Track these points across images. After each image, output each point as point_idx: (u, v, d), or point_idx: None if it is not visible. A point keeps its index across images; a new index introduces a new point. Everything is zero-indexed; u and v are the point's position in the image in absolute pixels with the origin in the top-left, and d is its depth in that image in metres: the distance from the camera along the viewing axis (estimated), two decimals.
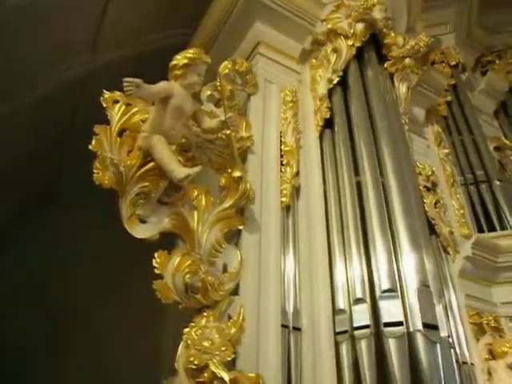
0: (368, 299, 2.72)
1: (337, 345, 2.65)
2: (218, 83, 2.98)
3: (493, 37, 6.19)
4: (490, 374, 3.32)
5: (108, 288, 5.68)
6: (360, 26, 3.70)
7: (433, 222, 3.72)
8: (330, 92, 3.61)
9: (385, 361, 2.51)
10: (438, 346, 2.60)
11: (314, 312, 2.76)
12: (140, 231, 2.46)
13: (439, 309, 2.83)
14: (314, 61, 3.82)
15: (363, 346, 2.56)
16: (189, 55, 2.66)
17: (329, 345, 2.66)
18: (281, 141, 3.31)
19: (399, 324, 2.59)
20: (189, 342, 2.32)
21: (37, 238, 6.19)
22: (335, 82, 3.60)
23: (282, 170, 3.19)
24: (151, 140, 2.52)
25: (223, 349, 2.31)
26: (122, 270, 5.71)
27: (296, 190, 3.19)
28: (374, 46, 3.89)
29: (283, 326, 2.61)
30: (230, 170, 2.83)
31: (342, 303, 2.76)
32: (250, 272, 2.68)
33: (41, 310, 5.82)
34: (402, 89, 3.91)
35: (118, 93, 2.58)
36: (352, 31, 3.69)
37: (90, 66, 4.78)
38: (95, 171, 2.43)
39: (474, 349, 3.39)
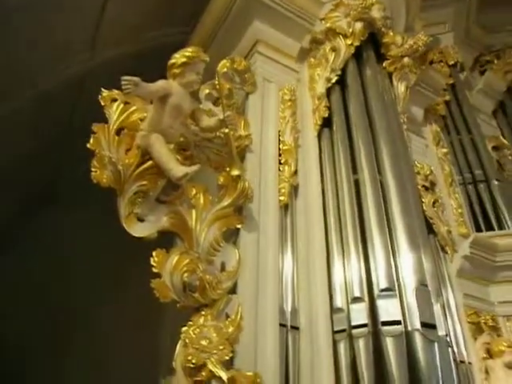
0: (366, 298, 2.72)
1: (335, 343, 2.65)
2: (217, 82, 2.98)
3: (491, 36, 6.18)
4: (487, 372, 3.34)
5: (107, 287, 5.68)
6: (359, 25, 3.70)
7: (431, 221, 3.72)
8: (329, 91, 3.61)
9: (383, 360, 2.51)
10: (436, 345, 2.60)
11: (312, 311, 2.76)
12: (138, 230, 2.46)
13: (437, 308, 2.83)
14: (312, 60, 3.82)
15: (361, 344, 2.56)
16: (187, 54, 2.65)
17: (327, 344, 2.65)
18: (279, 139, 3.31)
19: (397, 323, 2.59)
20: (187, 340, 2.32)
21: (37, 237, 6.19)
22: (334, 80, 3.60)
23: (281, 168, 3.18)
24: (149, 138, 2.51)
25: (221, 348, 2.31)
26: (120, 269, 5.70)
27: (294, 189, 3.18)
28: (372, 45, 3.89)
29: (281, 324, 2.61)
30: (228, 169, 2.82)
31: (339, 302, 2.76)
32: (248, 271, 2.68)
33: (41, 309, 5.82)
34: (401, 88, 3.91)
35: (116, 91, 2.57)
36: (351, 30, 3.68)
37: (88, 64, 4.78)
38: (93, 170, 2.42)
39: (471, 348, 3.40)
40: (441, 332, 2.77)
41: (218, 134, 2.95)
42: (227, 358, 2.31)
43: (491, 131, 5.53)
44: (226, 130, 2.84)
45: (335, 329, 2.69)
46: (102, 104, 2.58)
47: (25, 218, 6.31)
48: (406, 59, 3.90)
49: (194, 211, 2.67)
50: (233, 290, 2.62)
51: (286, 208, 3.07)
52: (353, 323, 2.64)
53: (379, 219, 2.96)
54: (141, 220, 2.50)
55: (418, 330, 2.58)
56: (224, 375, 2.19)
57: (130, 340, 5.26)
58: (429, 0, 5.23)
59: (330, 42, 3.73)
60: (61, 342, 5.77)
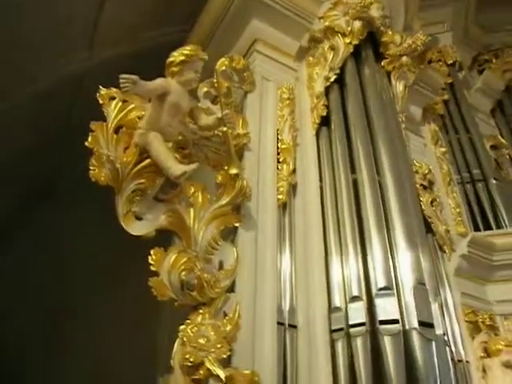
0: (364, 297, 2.72)
1: (332, 342, 2.65)
2: (215, 80, 2.98)
3: (490, 35, 6.18)
4: (484, 371, 3.34)
5: (106, 286, 5.67)
6: (357, 24, 3.69)
7: (429, 220, 3.72)
8: (327, 90, 3.60)
9: (380, 358, 2.51)
10: (434, 343, 2.60)
11: (310, 309, 2.76)
12: (136, 228, 2.46)
13: (435, 307, 2.83)
14: (311, 58, 3.82)
15: (359, 343, 2.56)
16: (186, 52, 2.66)
17: (324, 342, 2.65)
18: (277, 138, 3.31)
19: (395, 322, 2.59)
20: (184, 339, 2.32)
21: (36, 237, 6.17)
22: (332, 79, 3.60)
23: (279, 167, 3.19)
24: (148, 137, 2.51)
25: (219, 346, 2.31)
26: (119, 267, 5.70)
27: (292, 188, 3.19)
28: (371, 44, 3.89)
29: (279, 323, 2.62)
30: (226, 167, 2.83)
31: (337, 301, 2.76)
32: (246, 269, 2.68)
33: (41, 309, 5.81)
34: (399, 87, 3.91)
35: (114, 89, 2.57)
36: (349, 29, 3.68)
37: (86, 63, 4.77)
38: (91, 168, 2.43)
39: (469, 347, 3.40)
40: (438, 331, 2.77)
41: (216, 132, 2.95)
42: (225, 356, 2.32)
43: (489, 130, 5.54)
44: (225, 129, 2.85)
45: (333, 327, 2.69)
46: (101, 102, 2.58)
47: (24, 216, 6.29)
48: (404, 58, 3.90)
49: (192, 210, 2.67)
50: (231, 289, 2.63)
51: (284, 207, 3.07)
52: (351, 322, 2.64)
53: (377, 218, 2.96)
54: (139, 218, 2.50)
55: (415, 328, 2.58)
56: (222, 373, 2.19)
57: (130, 339, 5.26)
58: None
59: (329, 40, 3.72)
60: (61, 342, 5.76)
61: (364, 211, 3.01)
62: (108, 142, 2.47)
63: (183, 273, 2.43)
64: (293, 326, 2.67)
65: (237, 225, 2.81)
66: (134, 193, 2.49)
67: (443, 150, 4.61)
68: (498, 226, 4.31)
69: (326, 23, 3.76)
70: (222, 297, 2.56)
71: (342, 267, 2.87)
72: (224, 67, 3.25)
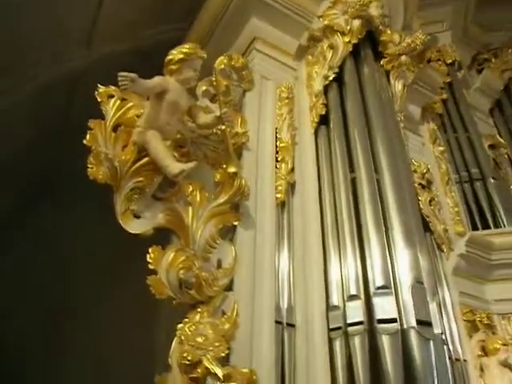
0: (362, 296, 2.72)
1: (330, 341, 2.65)
2: (214, 78, 2.97)
3: (489, 35, 6.18)
4: (482, 370, 3.34)
5: (105, 285, 5.66)
6: (356, 23, 3.69)
7: (427, 219, 3.72)
8: (326, 88, 3.60)
9: (378, 357, 2.51)
10: (432, 342, 2.60)
11: (308, 308, 2.76)
12: (134, 226, 2.46)
13: (433, 306, 2.83)
14: (310, 57, 3.81)
15: (357, 342, 2.56)
16: (184, 50, 2.65)
17: (322, 341, 2.66)
18: (276, 137, 3.31)
19: (393, 321, 2.59)
20: (182, 337, 2.32)
21: (36, 237, 6.15)
22: (331, 78, 3.59)
23: (277, 166, 3.18)
24: (146, 135, 2.51)
25: (217, 344, 2.31)
26: (118, 266, 5.69)
27: (291, 187, 3.18)
28: (370, 43, 3.88)
29: (277, 322, 2.61)
30: (225, 166, 2.82)
31: (335, 300, 2.76)
32: (245, 268, 2.68)
33: (41, 309, 5.80)
34: (398, 86, 3.91)
35: (112, 87, 2.57)
36: (348, 28, 3.68)
37: (85, 61, 4.76)
38: (89, 166, 2.42)
39: (466, 345, 3.40)
40: (436, 330, 2.78)
41: (214, 130, 2.95)
42: (223, 354, 2.31)
43: (488, 130, 5.54)
44: (223, 127, 2.84)
45: (331, 326, 2.69)
46: (99, 100, 2.57)
47: (24, 216, 6.27)
48: (403, 57, 3.90)
49: (190, 208, 2.67)
50: (229, 287, 2.62)
51: (282, 205, 3.07)
52: (349, 321, 2.64)
53: (376, 217, 2.96)
54: (137, 217, 2.49)
55: (413, 327, 2.58)
56: (220, 372, 2.19)
57: (130, 338, 5.25)
58: None
59: (328, 39, 3.72)
60: (61, 342, 5.76)
61: (362, 210, 3.01)
62: (106, 140, 2.47)
63: (181, 271, 2.43)
64: (291, 325, 2.67)
65: (235, 223, 2.80)
66: (133, 191, 2.49)
67: (441, 149, 4.61)
68: (496, 226, 4.31)
69: (326, 22, 3.76)
70: (220, 295, 2.56)
71: (340, 266, 2.87)
72: (223, 65, 3.25)
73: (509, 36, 6.19)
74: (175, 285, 2.41)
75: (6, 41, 3.96)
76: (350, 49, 3.68)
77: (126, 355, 5.14)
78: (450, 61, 5.50)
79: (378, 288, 2.70)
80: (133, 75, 2.29)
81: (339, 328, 2.66)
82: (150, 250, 2.43)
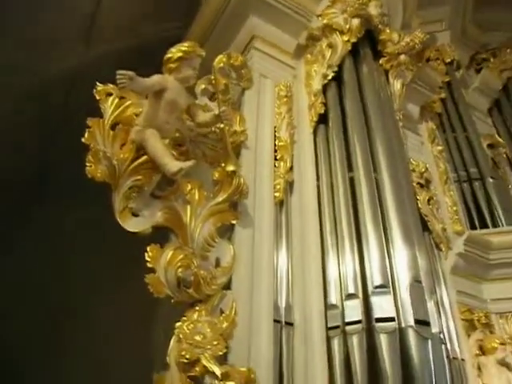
0: (360, 295, 2.72)
1: (328, 340, 2.65)
2: (213, 77, 2.96)
3: (487, 35, 6.20)
4: (480, 369, 3.35)
5: (104, 284, 5.66)
6: (355, 22, 3.69)
7: (426, 218, 3.72)
8: (325, 87, 3.60)
9: (376, 356, 2.51)
10: (430, 341, 2.60)
11: (307, 307, 2.76)
12: (132, 224, 2.45)
13: (431, 305, 2.83)
14: (309, 56, 3.81)
15: (355, 341, 2.56)
16: (183, 48, 2.65)
17: (321, 340, 2.66)
18: (275, 136, 3.31)
19: (391, 320, 2.59)
20: (180, 336, 2.32)
21: (36, 237, 6.14)
22: (330, 77, 3.60)
23: (276, 164, 3.18)
24: (144, 133, 2.51)
25: (215, 343, 2.31)
26: (116, 265, 5.68)
27: (289, 185, 3.18)
28: (369, 42, 3.89)
29: (275, 320, 2.61)
30: (223, 165, 2.81)
31: (334, 298, 2.76)
32: (243, 266, 2.68)
33: (41, 309, 5.79)
34: (397, 85, 3.92)
35: (111, 85, 2.56)
36: (347, 27, 3.68)
37: (83, 58, 4.76)
38: (88, 164, 2.42)
39: (464, 345, 3.41)
40: (434, 329, 2.77)
41: (213, 129, 2.95)
42: (221, 353, 2.31)
43: (486, 129, 5.55)
44: (222, 126, 2.84)
45: (329, 325, 2.69)
46: (98, 98, 2.57)
47: (24, 216, 6.26)
48: (402, 56, 3.90)
49: (188, 207, 2.66)
50: (227, 286, 2.62)
51: (281, 204, 3.07)
52: (347, 320, 2.64)
53: (374, 216, 2.96)
54: (135, 215, 2.49)
55: (411, 326, 2.58)
56: (218, 370, 2.18)
57: (130, 339, 5.25)
58: None
59: (327, 38, 3.72)
60: (61, 341, 5.75)
61: (361, 209, 3.01)
62: (104, 139, 2.46)
63: (180, 270, 2.42)
64: (289, 324, 2.67)
65: (234, 222, 2.80)
66: (131, 189, 2.48)
67: (440, 148, 4.61)
68: (495, 225, 4.31)
69: (325, 21, 3.76)
70: (219, 294, 2.55)
71: (339, 265, 2.87)
72: (222, 64, 3.24)
73: (507, 36, 6.20)
74: (173, 283, 2.41)
75: (3, 39, 3.95)
76: (349, 48, 3.68)
77: (126, 355, 5.14)
78: (449, 60, 5.50)
79: (376, 287, 2.70)
80: (131, 73, 2.28)
81: (337, 327, 2.66)
82: (148, 249, 2.42)
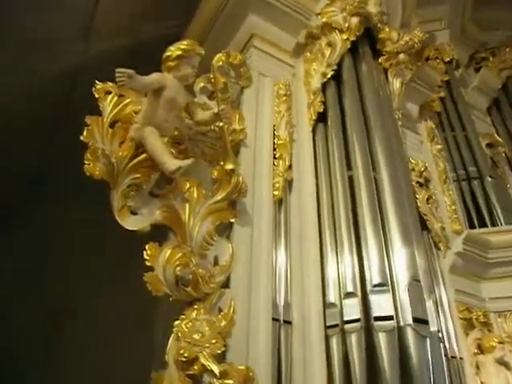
0: (359, 293, 2.72)
1: (327, 338, 2.66)
2: (212, 75, 2.96)
3: (487, 34, 6.19)
4: (478, 368, 3.36)
5: (104, 284, 5.64)
6: (355, 20, 3.69)
7: (425, 217, 3.73)
8: (324, 86, 3.60)
9: (375, 355, 2.51)
10: (428, 340, 2.60)
11: (305, 306, 2.76)
12: (131, 223, 2.45)
13: (429, 304, 2.84)
14: (308, 54, 3.81)
15: (353, 339, 2.56)
16: (182, 47, 2.65)
17: (319, 338, 2.66)
18: (274, 134, 3.30)
19: (389, 318, 2.60)
20: (179, 334, 2.32)
21: (36, 237, 6.13)
22: (329, 75, 3.59)
23: (275, 163, 3.18)
24: (143, 131, 2.50)
25: (213, 341, 2.31)
26: (116, 265, 5.67)
27: (288, 184, 3.18)
28: (368, 40, 3.88)
29: (274, 319, 2.61)
30: (222, 163, 2.81)
31: (332, 297, 2.76)
32: (242, 265, 2.67)
33: (41, 309, 5.78)
34: (396, 84, 3.91)
35: (110, 83, 2.56)
36: (347, 25, 3.67)
37: (82, 57, 4.75)
38: (86, 162, 2.42)
39: (463, 343, 3.42)
40: (433, 328, 2.78)
41: (212, 127, 2.95)
42: (219, 351, 2.31)
43: (485, 128, 5.54)
44: (221, 124, 2.83)
45: (328, 324, 2.70)
46: (96, 96, 2.56)
47: (24, 216, 6.25)
48: (401, 55, 3.90)
49: (187, 205, 2.66)
50: (226, 284, 2.62)
51: (279, 203, 3.07)
52: (345, 318, 2.64)
53: (373, 215, 2.96)
54: (134, 213, 2.49)
55: (410, 325, 2.59)
56: (216, 369, 2.19)
57: (130, 339, 5.23)
58: None
59: (326, 36, 3.72)
60: (61, 341, 5.74)
61: (359, 208, 3.01)
62: (103, 137, 2.46)
63: (178, 268, 2.42)
64: (288, 322, 2.67)
65: (232, 220, 2.80)
66: (130, 187, 2.48)
67: (439, 147, 4.62)
68: (493, 224, 4.31)
69: (324, 19, 3.76)
70: (217, 292, 2.55)
71: (337, 263, 2.87)
72: (221, 62, 3.23)
73: (506, 35, 6.19)
74: (172, 282, 2.41)
75: (2, 38, 3.95)
76: (348, 46, 3.68)
77: (126, 355, 5.13)
78: (448, 59, 5.50)
79: (375, 286, 2.71)
80: (130, 71, 2.28)
81: (336, 325, 2.67)
82: (146, 247, 2.42)
